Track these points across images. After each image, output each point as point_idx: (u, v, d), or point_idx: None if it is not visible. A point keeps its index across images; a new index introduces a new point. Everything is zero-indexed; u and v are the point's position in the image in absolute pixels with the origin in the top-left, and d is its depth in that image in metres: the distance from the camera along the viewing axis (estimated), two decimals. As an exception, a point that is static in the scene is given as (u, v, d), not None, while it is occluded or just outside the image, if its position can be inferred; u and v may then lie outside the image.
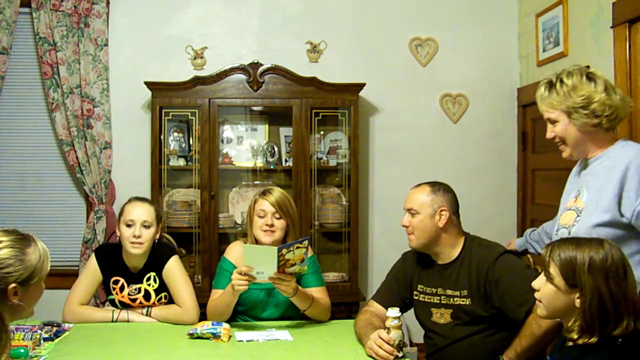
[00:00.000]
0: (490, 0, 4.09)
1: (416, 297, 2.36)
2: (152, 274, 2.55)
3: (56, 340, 2.21)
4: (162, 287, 2.55)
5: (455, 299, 2.23)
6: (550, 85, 1.95)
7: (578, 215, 1.92)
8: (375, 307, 2.37)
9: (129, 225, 2.49)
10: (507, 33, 4.08)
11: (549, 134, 2.00)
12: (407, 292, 2.39)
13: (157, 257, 2.55)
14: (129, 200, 2.61)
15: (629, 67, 2.79)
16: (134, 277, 2.55)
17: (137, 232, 2.47)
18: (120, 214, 2.57)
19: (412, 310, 2.44)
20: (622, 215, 1.81)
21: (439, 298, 2.28)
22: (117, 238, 2.57)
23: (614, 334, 1.52)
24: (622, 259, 1.56)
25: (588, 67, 2.06)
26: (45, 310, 3.28)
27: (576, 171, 2.10)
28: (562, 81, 1.91)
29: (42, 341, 2.15)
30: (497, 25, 4.08)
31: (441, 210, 2.24)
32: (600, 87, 1.88)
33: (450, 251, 2.28)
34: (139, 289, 2.54)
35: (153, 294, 2.54)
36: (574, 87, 1.89)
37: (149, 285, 2.54)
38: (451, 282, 2.25)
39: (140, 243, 2.48)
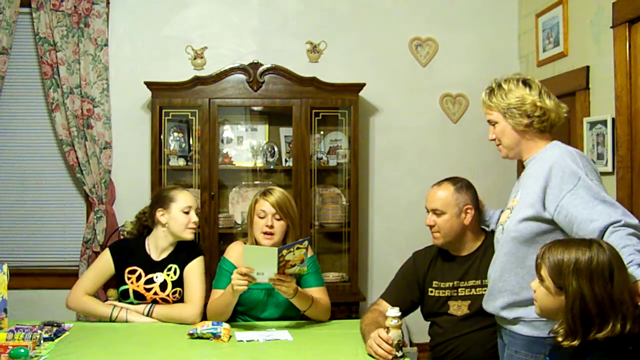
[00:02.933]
0: (490, 0, 4.09)
1: (431, 294, 2.38)
2: (175, 265, 2.58)
3: (56, 340, 2.21)
4: (179, 282, 2.57)
5: (477, 288, 2.28)
6: (491, 90, 2.13)
7: (511, 213, 2.05)
8: (384, 306, 2.36)
9: (186, 212, 2.56)
10: (507, 33, 4.08)
11: (490, 136, 2.18)
12: (416, 292, 2.41)
13: (185, 251, 2.60)
14: (174, 187, 2.67)
15: (629, 67, 2.79)
16: (156, 265, 2.58)
17: (196, 217, 2.59)
18: (169, 199, 2.58)
19: (412, 311, 2.45)
20: (545, 209, 1.92)
21: (455, 291, 2.32)
22: (162, 225, 2.57)
23: (598, 337, 1.50)
24: (609, 261, 1.53)
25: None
26: (45, 310, 3.32)
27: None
28: (500, 86, 2.10)
29: (42, 341, 2.14)
30: (497, 25, 4.08)
31: (467, 209, 2.31)
32: (535, 92, 2.05)
33: (472, 244, 2.35)
34: (158, 276, 2.56)
35: (170, 285, 2.55)
36: (509, 90, 2.07)
37: (168, 275, 2.57)
38: (472, 272, 2.31)
39: (195, 228, 2.60)
